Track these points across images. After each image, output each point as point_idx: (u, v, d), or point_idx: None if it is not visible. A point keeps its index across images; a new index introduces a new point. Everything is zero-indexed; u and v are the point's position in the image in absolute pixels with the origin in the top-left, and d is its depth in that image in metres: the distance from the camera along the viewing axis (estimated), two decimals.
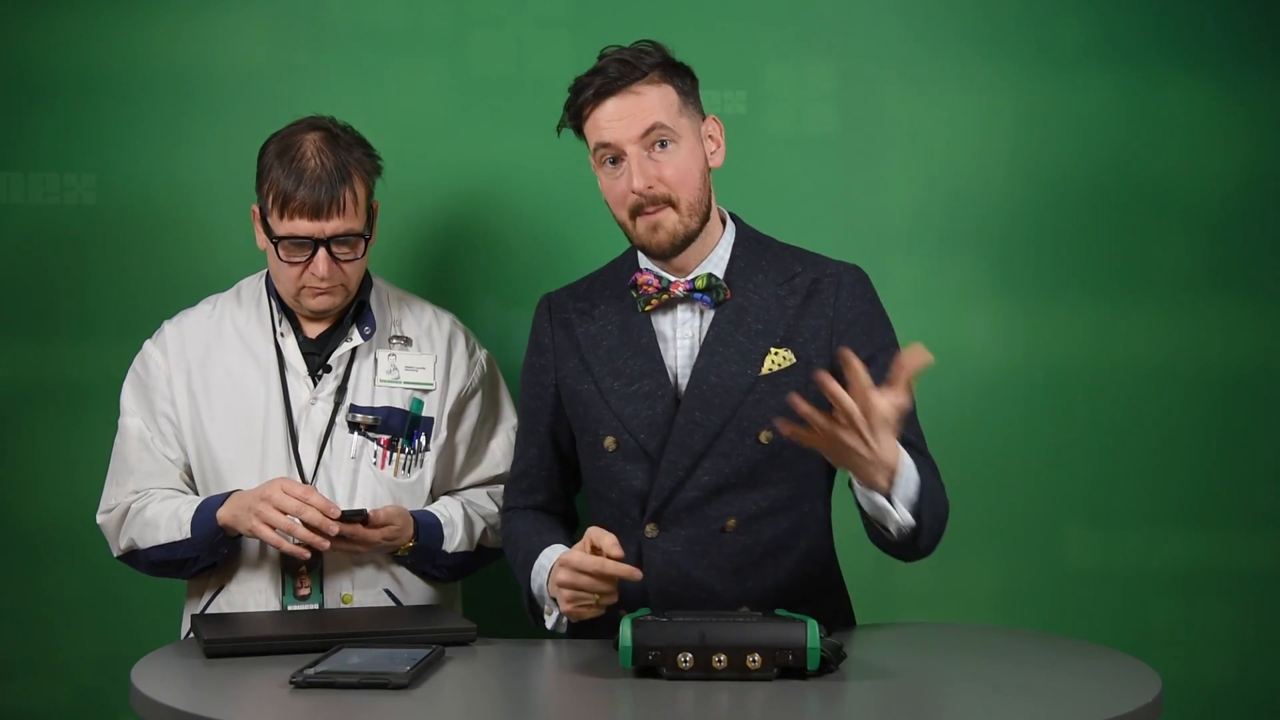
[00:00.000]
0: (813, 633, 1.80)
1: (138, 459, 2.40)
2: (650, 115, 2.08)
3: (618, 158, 2.09)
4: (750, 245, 2.19)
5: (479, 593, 2.68)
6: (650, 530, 2.13)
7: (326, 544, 2.21)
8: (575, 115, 2.13)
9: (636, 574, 2.01)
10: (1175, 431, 2.86)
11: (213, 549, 2.30)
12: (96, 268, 2.85)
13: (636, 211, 2.10)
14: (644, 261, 2.19)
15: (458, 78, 2.85)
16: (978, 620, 2.79)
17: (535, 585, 2.15)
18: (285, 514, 2.20)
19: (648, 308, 2.15)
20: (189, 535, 2.29)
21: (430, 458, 2.41)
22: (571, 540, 2.19)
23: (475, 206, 2.87)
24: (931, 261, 2.85)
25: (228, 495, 2.30)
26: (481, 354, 2.50)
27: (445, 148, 2.85)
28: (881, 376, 2.05)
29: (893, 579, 2.82)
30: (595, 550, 2.03)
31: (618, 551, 2.01)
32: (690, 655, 1.80)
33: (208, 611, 2.34)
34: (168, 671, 1.93)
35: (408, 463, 2.39)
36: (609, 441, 2.15)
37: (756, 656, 1.80)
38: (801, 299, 2.14)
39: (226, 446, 2.36)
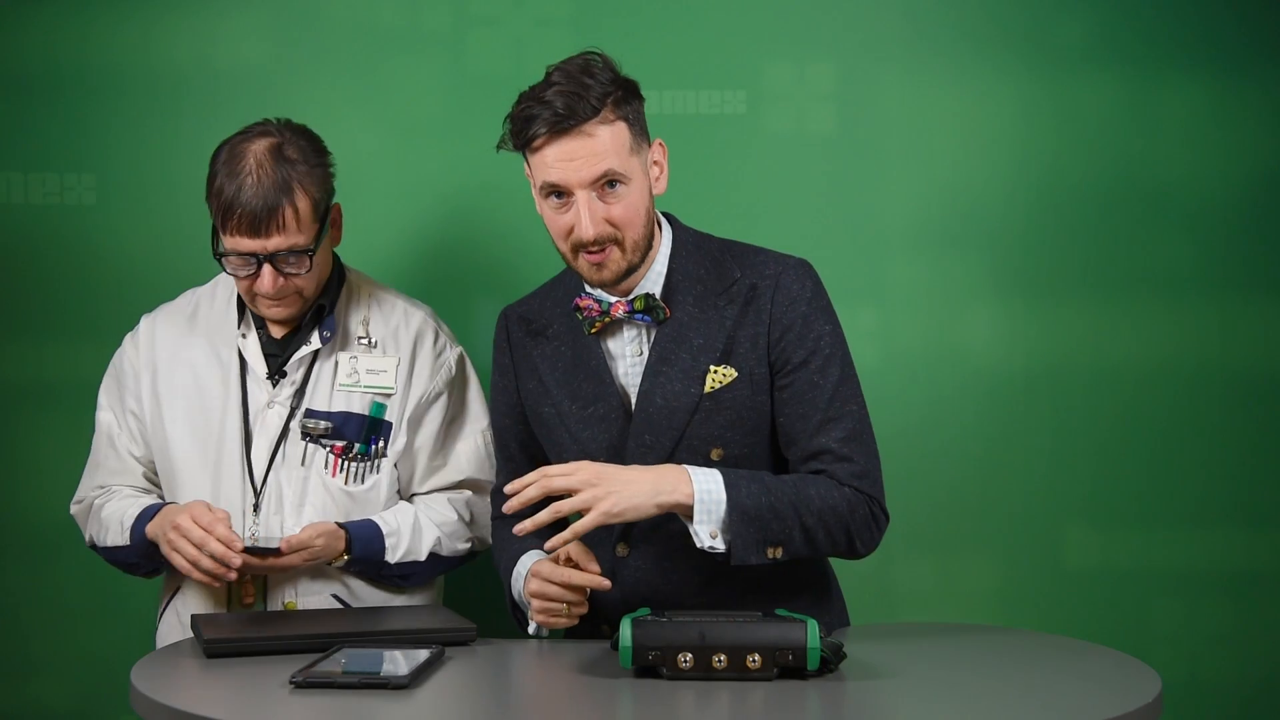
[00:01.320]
0: (813, 633, 1.80)
1: (104, 455, 2.41)
2: (603, 161, 2.02)
3: (564, 193, 2.05)
4: (688, 252, 2.16)
5: (477, 593, 2.68)
6: (621, 549, 2.14)
7: (233, 575, 2.20)
8: (521, 144, 2.07)
9: (605, 584, 2.02)
10: (1175, 431, 2.86)
11: (149, 557, 2.30)
12: (96, 268, 2.85)
13: (578, 248, 2.07)
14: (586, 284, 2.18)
15: (457, 78, 2.85)
16: (978, 620, 2.79)
17: (515, 591, 2.16)
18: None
19: (593, 330, 2.14)
20: (128, 541, 2.30)
21: (387, 464, 2.36)
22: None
23: (474, 206, 2.87)
24: (932, 261, 2.85)
25: (163, 506, 2.31)
26: (451, 354, 2.43)
27: (445, 148, 2.85)
28: (812, 381, 2.09)
29: (892, 579, 2.82)
30: (568, 561, 2.04)
31: (594, 566, 2.04)
32: (690, 655, 1.80)
33: (163, 618, 2.38)
34: (168, 671, 1.93)
35: (360, 470, 2.35)
36: None
37: (756, 656, 1.80)
38: (739, 309, 2.11)
39: (184, 447, 2.36)
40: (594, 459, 2.11)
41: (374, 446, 2.35)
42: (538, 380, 2.20)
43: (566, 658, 1.98)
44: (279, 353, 2.37)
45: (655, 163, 2.12)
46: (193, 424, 2.36)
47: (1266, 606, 2.87)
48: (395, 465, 2.37)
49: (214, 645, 1.97)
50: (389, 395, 2.36)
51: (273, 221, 2.22)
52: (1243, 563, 2.86)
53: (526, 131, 2.04)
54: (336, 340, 2.37)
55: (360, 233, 2.85)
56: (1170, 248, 2.86)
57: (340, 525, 2.28)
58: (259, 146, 2.25)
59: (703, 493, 1.98)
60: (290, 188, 2.24)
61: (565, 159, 2.02)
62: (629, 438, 2.10)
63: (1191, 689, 2.84)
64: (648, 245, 2.11)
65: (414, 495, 2.41)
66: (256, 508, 2.33)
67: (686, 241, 2.18)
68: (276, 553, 2.20)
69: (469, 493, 2.42)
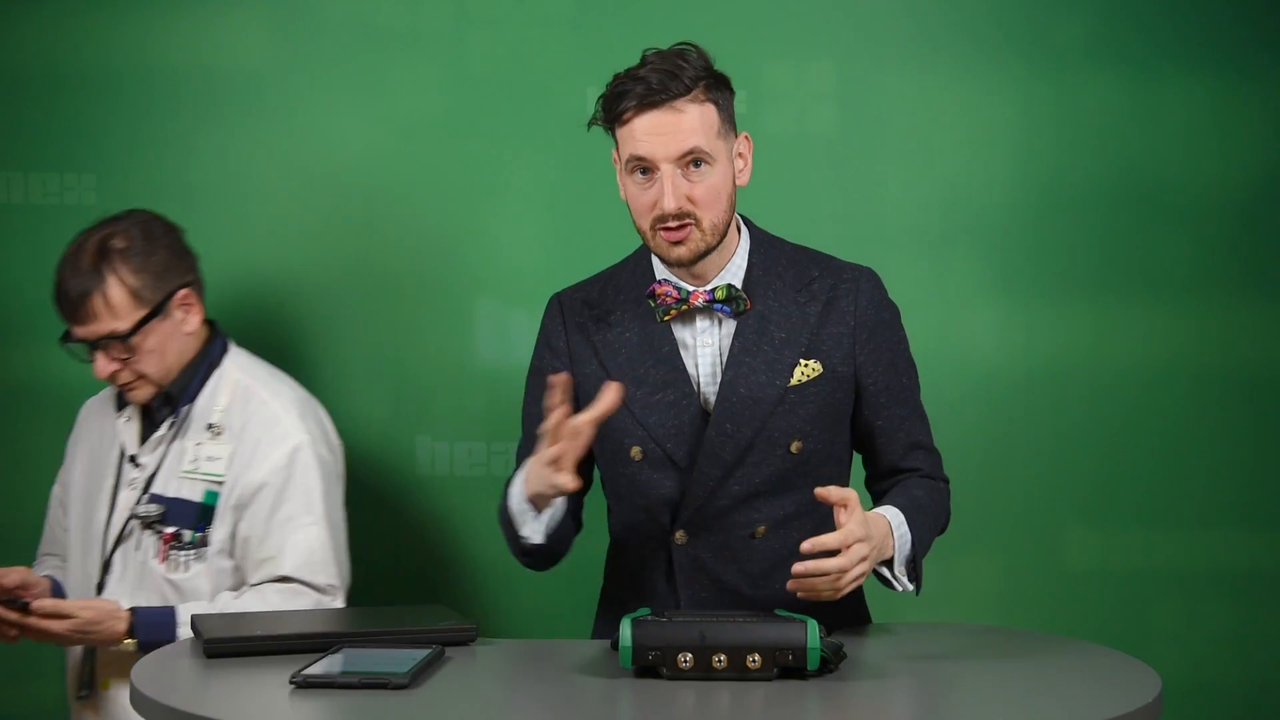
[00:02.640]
0: (813, 633, 1.80)
1: (46, 524, 2.60)
2: (690, 138, 2.04)
3: (649, 169, 2.06)
4: (765, 251, 2.19)
5: (478, 592, 2.68)
6: (680, 537, 2.13)
7: (11, 632, 2.27)
8: (611, 118, 2.09)
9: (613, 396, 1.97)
10: (1175, 432, 2.86)
11: None
12: None
13: (658, 224, 2.07)
14: (660, 270, 2.17)
15: (458, 78, 2.85)
16: (978, 620, 2.78)
17: (515, 502, 2.11)
18: None
19: (667, 317, 2.14)
20: None
21: (210, 553, 2.35)
22: (574, 516, 2.19)
23: (475, 206, 2.86)
24: (932, 262, 2.85)
25: None
26: (286, 444, 2.36)
27: (445, 148, 2.85)
28: (902, 383, 2.18)
29: None
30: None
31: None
32: (690, 655, 1.80)
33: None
34: (168, 671, 1.93)
35: (185, 559, 2.34)
36: (635, 451, 2.14)
37: (756, 656, 1.79)
38: (822, 305, 2.14)
39: (74, 518, 2.47)
40: (661, 445, 2.12)
41: (200, 535, 2.35)
42: (597, 364, 2.18)
43: (566, 658, 1.98)
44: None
45: (740, 154, 2.15)
46: (83, 498, 2.45)
47: (1267, 607, 2.87)
48: (230, 555, 2.36)
49: (214, 645, 1.97)
50: (221, 483, 2.35)
51: (84, 309, 2.30)
52: (1243, 563, 2.86)
53: (618, 105, 2.07)
54: (185, 426, 2.39)
55: (359, 233, 2.86)
56: (1171, 248, 2.86)
57: (132, 609, 2.28)
58: (94, 236, 2.34)
59: (899, 537, 2.04)
60: (101, 277, 2.31)
61: (653, 132, 2.04)
62: (710, 425, 2.10)
63: (1191, 689, 2.83)
64: (725, 231, 2.12)
65: (253, 586, 2.36)
66: (101, 586, 2.38)
67: (763, 240, 2.21)
68: (24, 605, 2.24)
69: (301, 586, 2.35)
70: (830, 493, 1.92)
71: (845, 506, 1.91)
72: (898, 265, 2.83)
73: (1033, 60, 2.85)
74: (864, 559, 1.92)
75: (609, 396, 1.96)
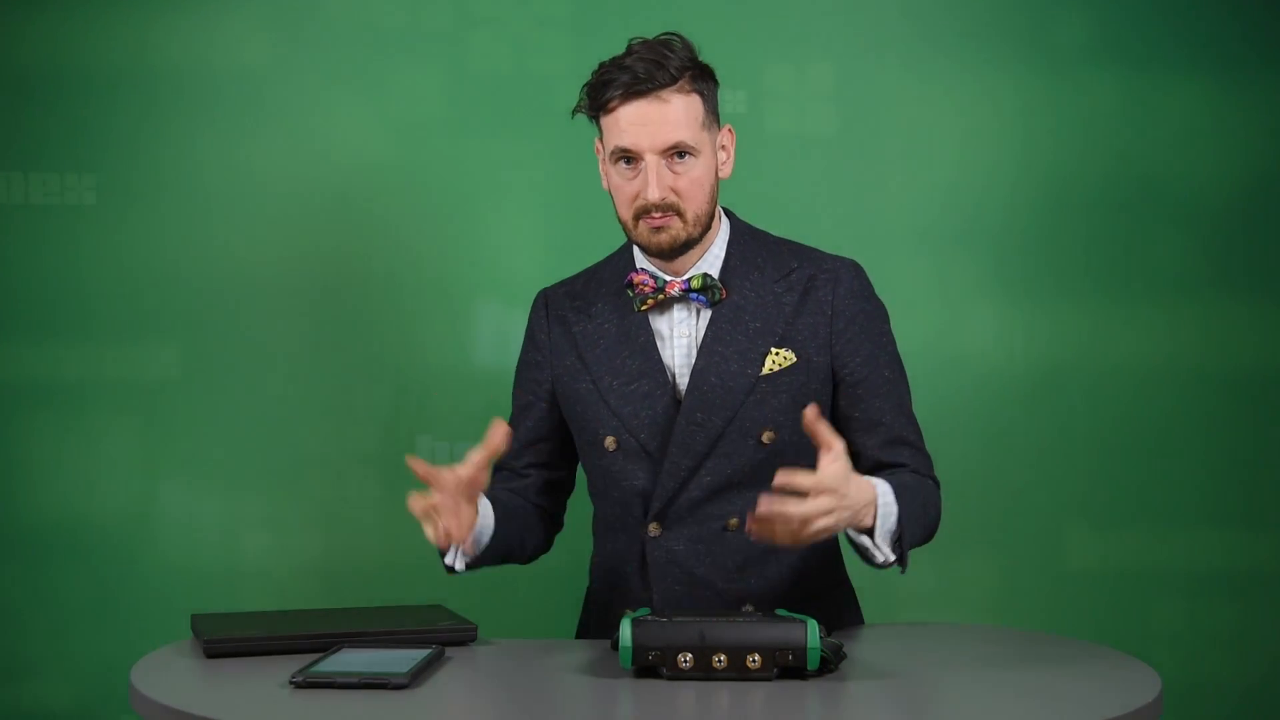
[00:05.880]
0: (813, 633, 1.80)
1: None
2: (676, 130, 2.05)
3: (634, 159, 2.07)
4: (745, 242, 2.19)
5: (479, 593, 2.68)
6: (653, 529, 2.13)
7: None
8: (596, 107, 2.09)
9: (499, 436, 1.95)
10: (1175, 431, 2.86)
11: None
12: (96, 268, 2.85)
13: (641, 214, 2.08)
14: (640, 260, 2.18)
15: (458, 78, 2.85)
16: (978, 620, 2.79)
17: None
18: None
19: (644, 307, 2.15)
20: None
21: None
22: (544, 529, 2.24)
23: (475, 206, 2.87)
24: (931, 262, 2.86)
25: None
26: None
27: (445, 148, 2.85)
28: (884, 376, 2.13)
29: (893, 579, 2.81)
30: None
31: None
32: (690, 655, 1.80)
33: None
34: (168, 671, 1.93)
35: None
36: (609, 441, 2.15)
37: (756, 656, 1.79)
38: (799, 296, 2.13)
39: None
40: (635, 435, 2.12)
41: None
42: (576, 356, 2.19)
43: (566, 658, 1.98)
44: None
45: (723, 147, 2.15)
46: None
47: (1267, 606, 2.87)
48: None
49: (214, 645, 1.97)
50: None
51: None
52: (1243, 563, 2.86)
53: (603, 94, 2.06)
54: None
55: (360, 233, 2.86)
56: (1170, 247, 2.86)
57: None
58: None
59: (883, 506, 1.98)
60: None
61: (639, 123, 2.05)
62: (680, 415, 2.10)
63: (1191, 689, 2.84)
64: (707, 224, 2.12)
65: None
66: None
67: (744, 231, 2.21)
68: None
69: None
70: (818, 429, 1.86)
71: (830, 449, 1.87)
72: (897, 265, 2.84)
73: (1033, 60, 2.85)
74: (829, 512, 1.86)
75: (494, 438, 1.94)
